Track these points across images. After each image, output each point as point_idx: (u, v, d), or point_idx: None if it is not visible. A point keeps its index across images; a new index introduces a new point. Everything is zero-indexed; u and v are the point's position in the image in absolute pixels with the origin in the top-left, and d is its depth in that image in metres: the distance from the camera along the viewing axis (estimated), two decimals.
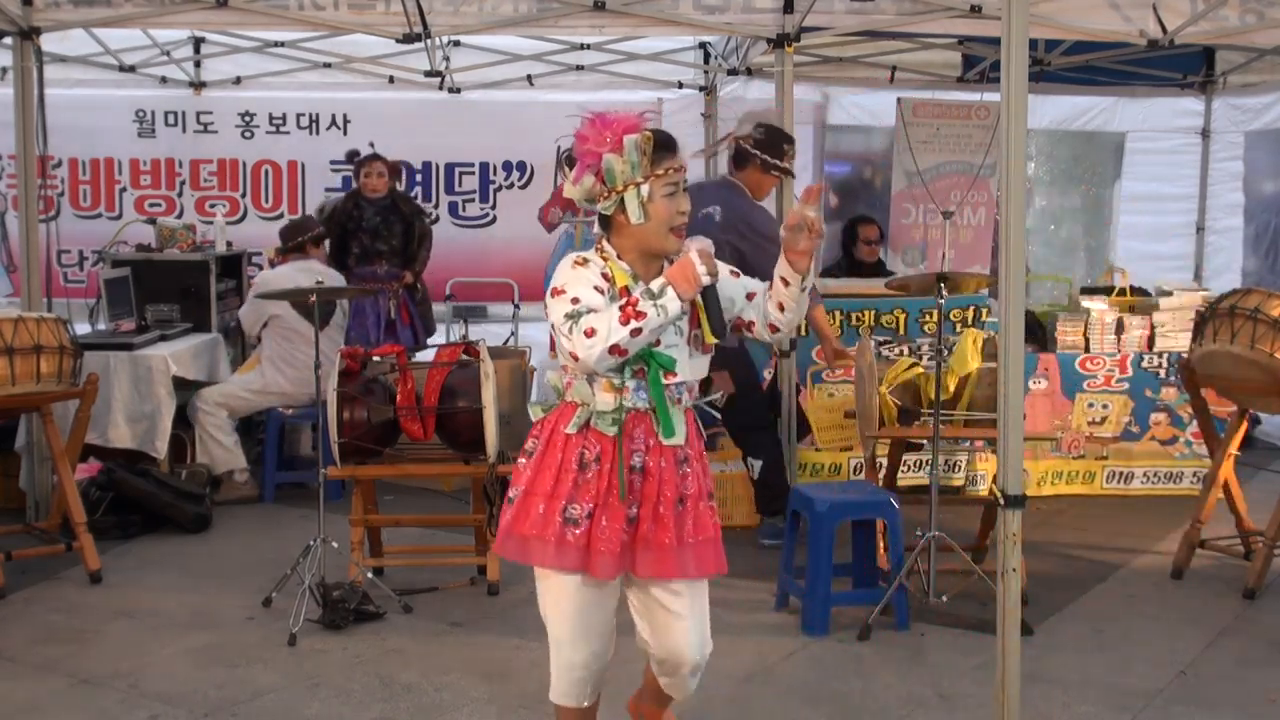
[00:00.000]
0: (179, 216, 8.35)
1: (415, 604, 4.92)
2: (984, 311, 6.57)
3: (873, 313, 6.60)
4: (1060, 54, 7.84)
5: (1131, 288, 7.15)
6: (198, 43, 8.26)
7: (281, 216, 8.35)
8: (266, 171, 8.69)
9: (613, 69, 8.41)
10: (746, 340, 5.77)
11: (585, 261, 3.00)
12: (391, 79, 8.36)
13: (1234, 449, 5.42)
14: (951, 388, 5.10)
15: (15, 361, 5.00)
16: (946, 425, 4.96)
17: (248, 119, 8.63)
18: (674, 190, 2.99)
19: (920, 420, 5.13)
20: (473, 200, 8.85)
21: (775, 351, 6.11)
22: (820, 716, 3.96)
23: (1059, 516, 6.43)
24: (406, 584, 5.11)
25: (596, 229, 3.12)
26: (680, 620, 3.13)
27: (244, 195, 8.69)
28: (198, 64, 8.44)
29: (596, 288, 2.94)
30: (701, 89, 8.75)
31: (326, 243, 7.13)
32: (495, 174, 8.83)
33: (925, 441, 5.15)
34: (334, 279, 6.64)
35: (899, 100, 8.45)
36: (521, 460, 3.10)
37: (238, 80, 8.48)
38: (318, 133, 8.68)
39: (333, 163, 8.54)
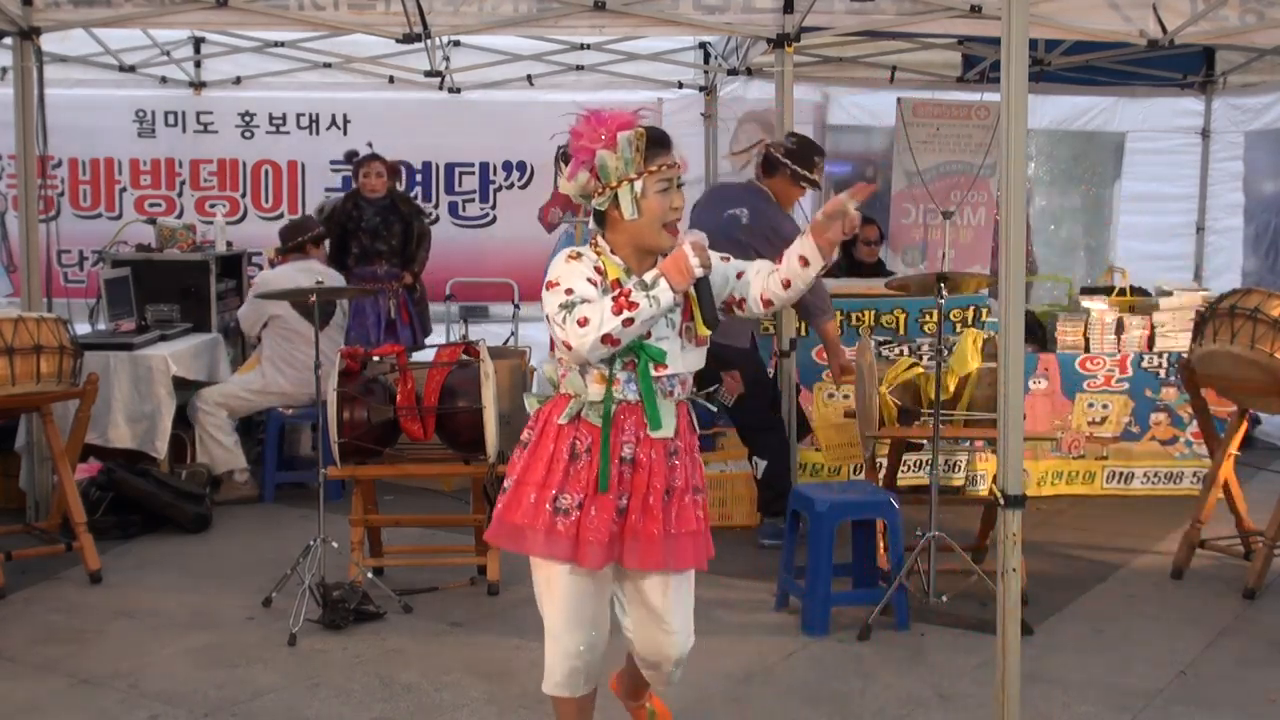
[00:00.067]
0: (179, 216, 8.35)
1: (415, 604, 4.92)
2: (984, 311, 6.57)
3: (873, 313, 6.60)
4: (1060, 54, 7.84)
5: (1131, 288, 7.15)
6: (198, 43, 8.26)
7: (281, 216, 8.35)
8: (266, 171, 8.69)
9: (613, 69, 8.41)
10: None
11: (579, 256, 3.04)
12: (391, 79, 8.37)
13: (1234, 449, 5.42)
14: (951, 388, 5.09)
15: (15, 361, 4.99)
16: (946, 425, 4.96)
17: (248, 119, 8.63)
18: (667, 186, 3.02)
19: (920, 420, 5.12)
20: (473, 200, 8.85)
21: (775, 351, 6.12)
22: (820, 716, 3.96)
23: (1059, 516, 6.43)
24: (406, 584, 5.11)
25: (592, 225, 3.15)
26: (663, 617, 3.20)
27: (244, 195, 8.69)
28: (198, 64, 8.44)
29: (589, 280, 2.97)
30: (701, 89, 8.76)
31: (326, 243, 7.13)
32: (495, 174, 8.83)
33: (925, 441, 5.15)
34: (334, 279, 6.64)
35: (899, 100, 8.45)
36: (517, 451, 3.15)
37: (238, 80, 8.48)
38: (318, 133, 8.68)
39: (333, 163, 8.54)
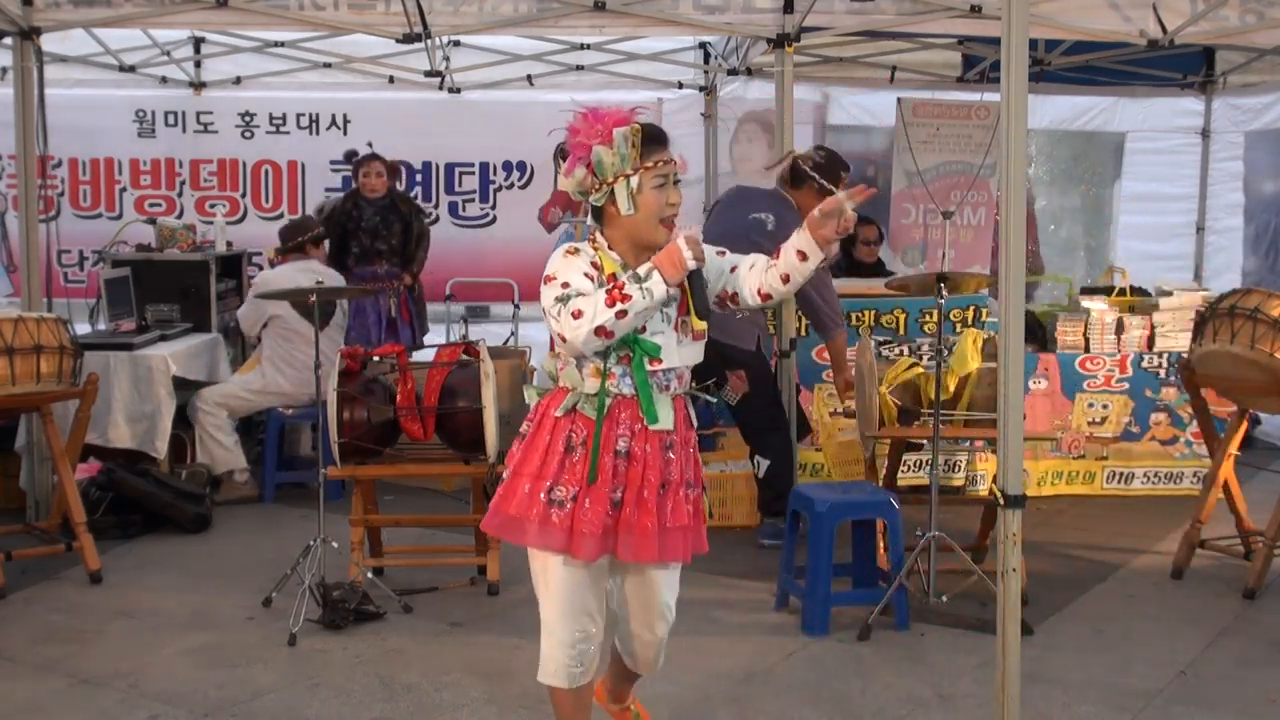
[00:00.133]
0: (179, 216, 8.35)
1: (415, 604, 4.92)
2: (984, 311, 6.57)
3: (873, 313, 6.60)
4: (1060, 54, 7.84)
5: (1131, 288, 7.15)
6: (198, 43, 8.26)
7: (281, 216, 8.35)
8: (266, 171, 8.69)
9: (613, 69, 8.41)
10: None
11: (576, 251, 3.09)
12: (391, 79, 8.37)
13: (1234, 449, 5.42)
14: (951, 388, 5.09)
15: (15, 361, 5.00)
16: (946, 425, 4.96)
17: (248, 119, 8.63)
18: (663, 182, 3.06)
19: (920, 420, 5.13)
20: (473, 200, 8.85)
21: (775, 351, 6.12)
22: (820, 716, 3.96)
23: (1059, 516, 6.43)
24: (406, 584, 5.11)
25: (590, 220, 3.19)
26: (653, 607, 3.28)
27: (244, 195, 8.70)
28: (198, 64, 8.44)
29: (586, 274, 3.02)
30: (701, 89, 8.76)
31: (326, 243, 7.13)
32: (495, 174, 8.83)
33: (925, 441, 5.15)
34: (334, 279, 6.64)
35: (899, 100, 8.45)
36: (516, 443, 3.19)
37: (238, 80, 8.48)
38: (318, 133, 8.68)
39: (333, 163, 8.54)
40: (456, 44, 7.89)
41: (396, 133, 8.33)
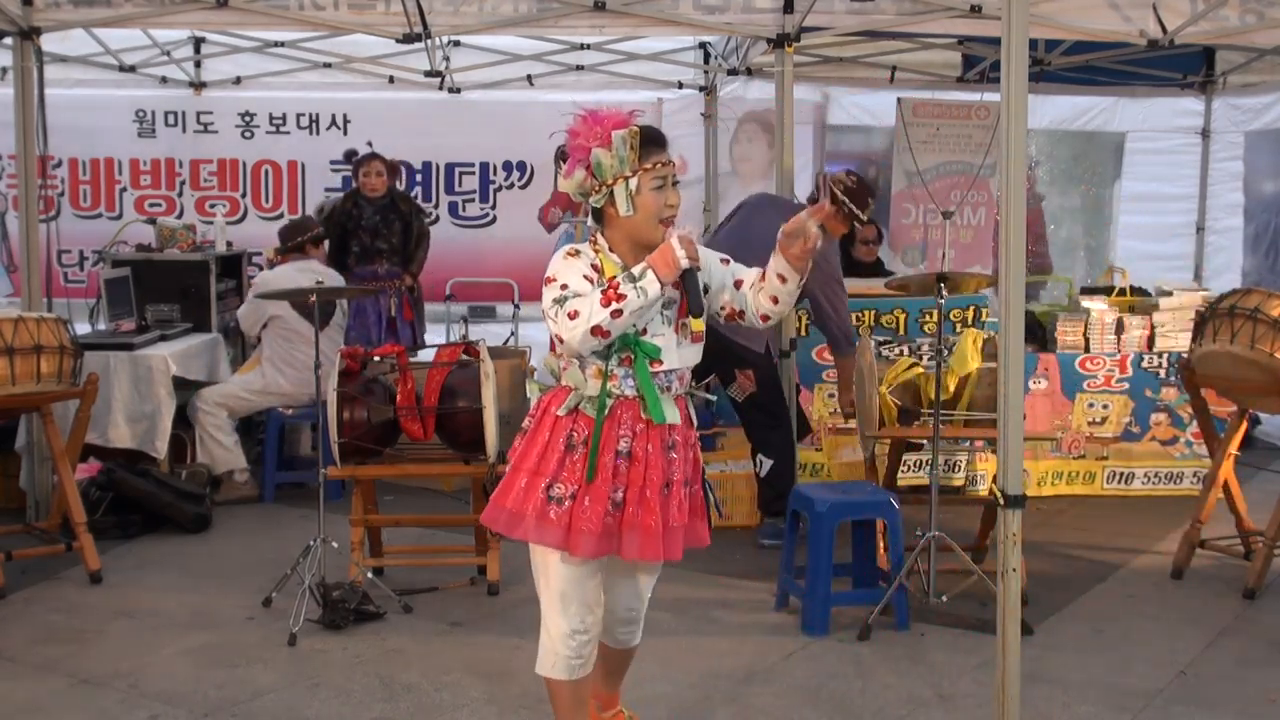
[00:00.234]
0: (179, 216, 8.36)
1: (415, 604, 4.92)
2: (984, 311, 6.57)
3: (873, 313, 6.60)
4: (1060, 54, 7.84)
5: (1131, 288, 7.15)
6: (198, 43, 8.27)
7: (281, 216, 8.35)
8: (266, 171, 8.69)
9: (613, 69, 8.41)
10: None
11: (577, 253, 3.13)
12: (391, 79, 8.37)
13: (1234, 449, 5.42)
14: (951, 388, 5.09)
15: (15, 361, 4.99)
16: (946, 425, 4.96)
17: (248, 119, 8.64)
18: (662, 184, 3.10)
19: (920, 420, 5.13)
20: (473, 200, 8.85)
21: (776, 351, 6.12)
22: (820, 716, 3.96)
23: (1059, 516, 6.43)
24: (406, 584, 5.11)
25: (590, 222, 3.23)
26: (642, 594, 3.41)
27: (244, 195, 8.70)
28: (198, 64, 8.45)
29: (585, 276, 3.06)
30: (701, 89, 8.76)
31: (326, 243, 7.13)
32: (495, 174, 8.83)
33: (925, 441, 5.15)
34: (334, 279, 6.64)
35: (899, 100, 8.45)
36: (518, 438, 3.24)
37: (238, 80, 8.48)
38: (318, 133, 8.69)
39: (333, 163, 8.55)
40: (456, 44, 7.90)
41: (396, 133, 8.33)
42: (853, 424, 5.81)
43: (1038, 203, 9.42)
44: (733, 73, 8.29)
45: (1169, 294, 6.89)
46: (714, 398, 3.44)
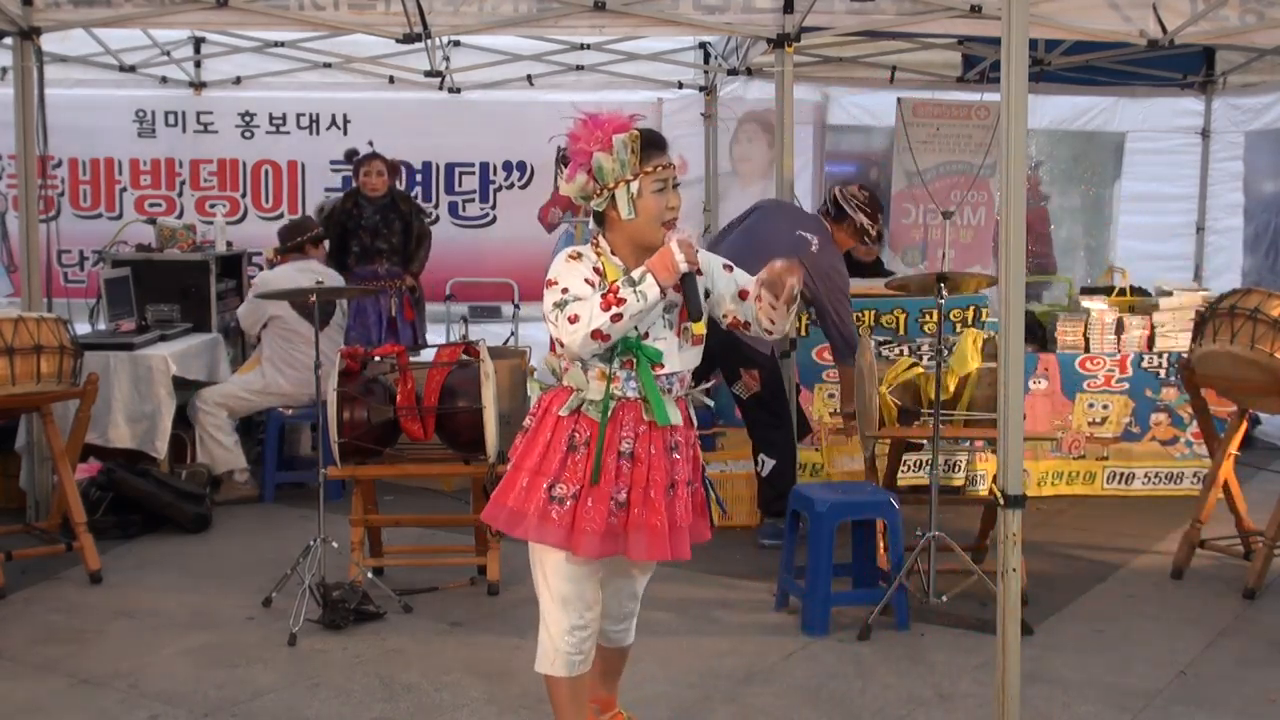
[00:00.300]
0: (179, 216, 8.35)
1: (415, 604, 4.92)
2: (984, 311, 6.57)
3: (873, 313, 6.60)
4: (1060, 54, 7.84)
5: (1131, 288, 7.15)
6: (198, 43, 8.26)
7: (281, 216, 8.35)
8: (266, 171, 8.69)
9: (613, 69, 8.41)
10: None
11: (579, 256, 3.15)
12: (391, 79, 8.37)
13: (1234, 449, 5.42)
14: (951, 388, 5.09)
15: (15, 361, 4.99)
16: (946, 425, 4.96)
17: (248, 119, 8.64)
18: (663, 187, 3.13)
19: (920, 420, 5.12)
20: (473, 200, 8.85)
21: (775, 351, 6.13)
22: (820, 716, 3.96)
23: (1059, 516, 6.43)
24: (406, 584, 5.11)
25: (592, 225, 3.25)
26: (638, 592, 3.44)
27: (244, 195, 8.70)
28: (198, 64, 8.44)
29: (587, 280, 3.09)
30: (701, 89, 8.75)
31: (326, 243, 7.13)
32: (495, 174, 8.83)
33: (925, 441, 5.15)
34: (333, 279, 6.64)
35: (899, 100, 8.46)
36: (519, 436, 3.26)
37: (238, 80, 8.48)
38: (318, 133, 8.68)
39: (333, 163, 8.54)
40: (456, 44, 7.89)
41: (396, 133, 8.32)
42: (854, 432, 5.81)
43: (1043, 203, 9.43)
44: (733, 73, 8.29)
45: (1169, 294, 6.89)
46: (711, 402, 3.44)
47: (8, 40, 5.82)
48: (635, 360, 3.12)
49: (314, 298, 4.80)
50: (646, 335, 3.12)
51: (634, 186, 3.08)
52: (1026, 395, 6.37)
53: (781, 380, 5.86)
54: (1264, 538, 5.15)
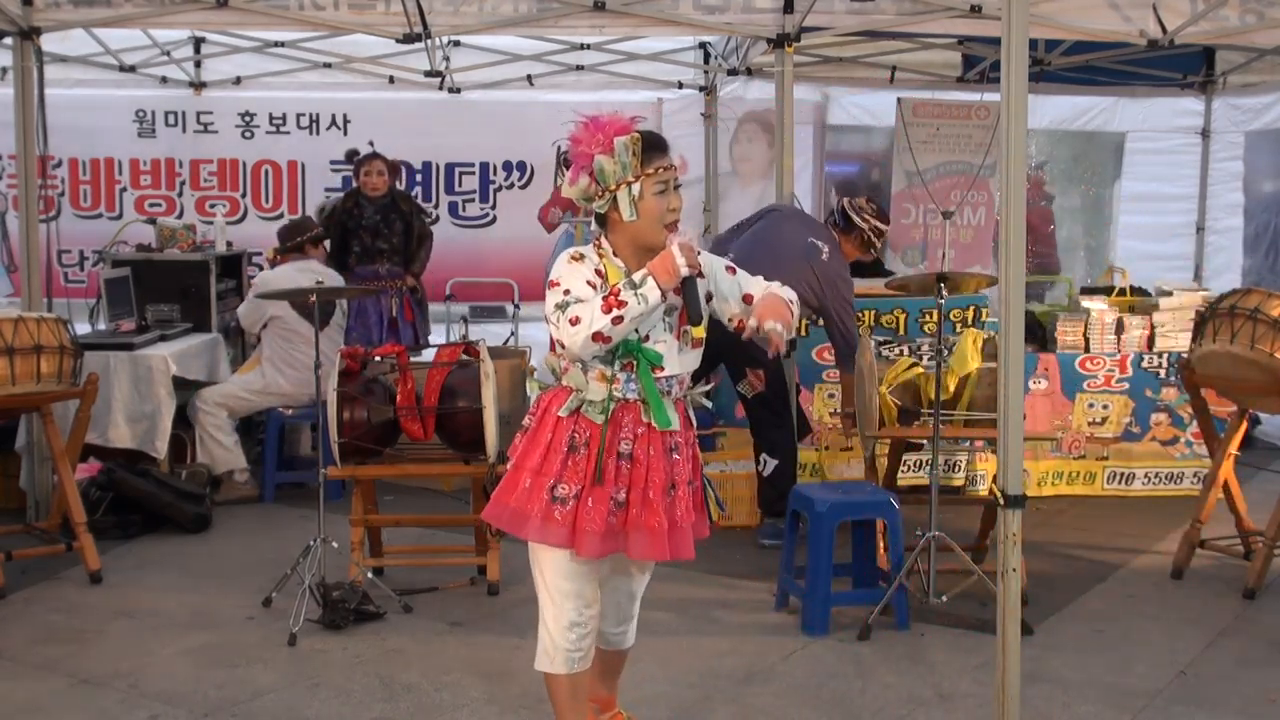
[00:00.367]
0: (179, 216, 8.35)
1: (415, 604, 4.92)
2: (984, 311, 6.57)
3: (873, 313, 6.60)
4: (1060, 54, 7.84)
5: (1131, 288, 7.15)
6: (198, 43, 8.26)
7: (281, 216, 8.35)
8: (266, 171, 8.69)
9: (613, 69, 8.41)
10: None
11: (581, 257, 3.16)
12: (391, 79, 8.37)
13: (1234, 449, 5.42)
14: (951, 388, 5.09)
15: (15, 361, 4.99)
16: (946, 425, 4.96)
17: (248, 119, 8.63)
18: (664, 188, 3.14)
19: (920, 420, 5.12)
20: (473, 200, 8.85)
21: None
22: (820, 716, 3.96)
23: (1059, 516, 6.43)
24: (406, 584, 5.11)
25: (594, 226, 3.28)
26: (635, 593, 3.45)
27: (244, 195, 8.69)
28: (198, 64, 8.44)
29: (589, 282, 3.10)
30: (701, 89, 8.75)
31: (326, 243, 7.13)
32: (495, 174, 8.83)
33: (925, 441, 5.15)
34: (333, 279, 6.64)
35: (899, 100, 8.45)
36: (519, 435, 3.28)
37: (238, 80, 8.47)
38: (318, 133, 8.68)
39: (333, 163, 8.54)
40: (456, 44, 7.89)
41: (396, 133, 8.32)
42: (852, 433, 5.81)
43: (1048, 203, 9.44)
44: (733, 73, 8.29)
45: (1169, 294, 6.88)
46: (709, 403, 3.45)
47: (8, 40, 5.82)
48: (635, 363, 3.13)
49: (314, 298, 4.80)
50: (647, 338, 3.13)
51: (635, 188, 3.10)
52: (1026, 395, 6.37)
53: (785, 381, 5.86)
54: (1264, 538, 5.15)
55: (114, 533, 5.85)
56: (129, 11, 5.71)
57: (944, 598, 4.77)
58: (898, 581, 4.66)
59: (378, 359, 5.15)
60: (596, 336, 3.00)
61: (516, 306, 8.24)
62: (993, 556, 3.96)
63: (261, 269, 7.70)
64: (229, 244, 7.67)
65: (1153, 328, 6.72)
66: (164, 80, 8.39)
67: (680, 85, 8.70)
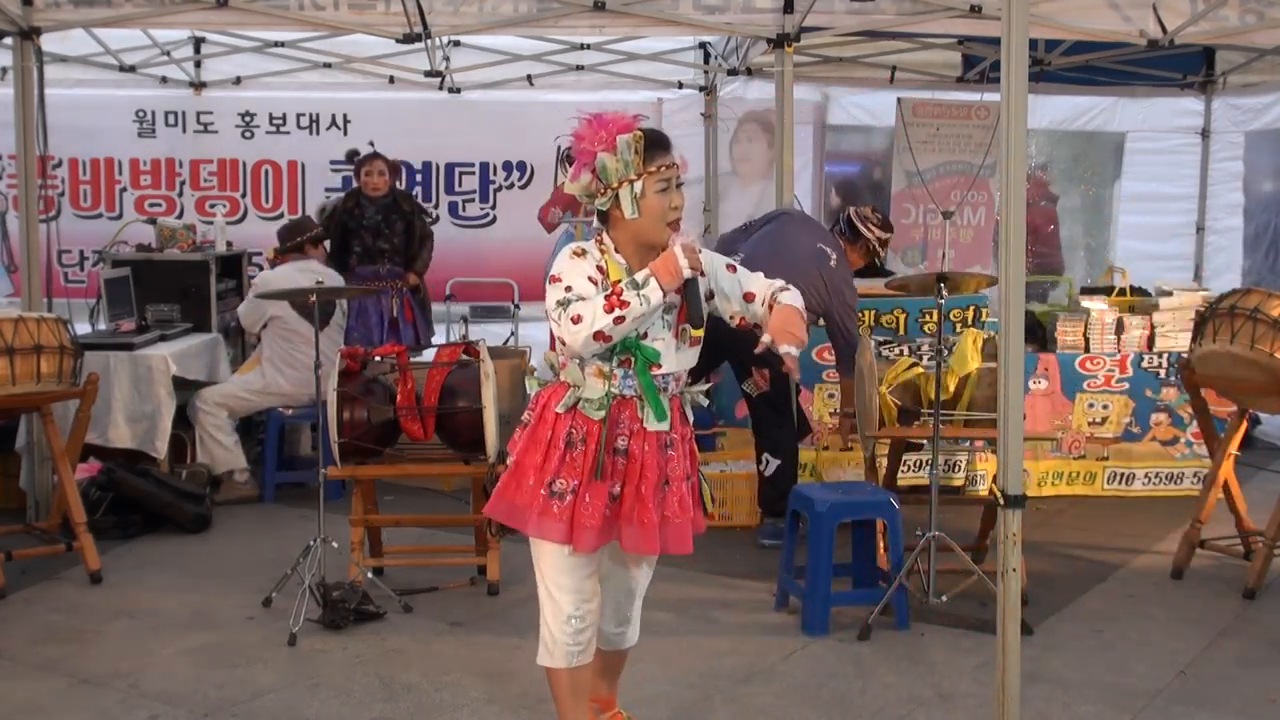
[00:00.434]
0: (179, 216, 8.36)
1: (415, 604, 4.92)
2: (984, 311, 6.57)
3: (873, 313, 6.60)
4: (1060, 54, 7.85)
5: (1131, 288, 7.15)
6: (198, 43, 8.27)
7: (281, 216, 8.35)
8: (266, 171, 8.69)
9: (613, 69, 8.41)
10: None
11: (583, 253, 3.18)
12: (391, 79, 8.37)
13: (1234, 449, 5.42)
14: (951, 388, 5.09)
15: (15, 361, 4.99)
16: (946, 425, 4.96)
17: (248, 119, 8.64)
18: (666, 186, 3.15)
19: (920, 420, 5.13)
20: (473, 200, 8.85)
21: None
22: (820, 716, 3.96)
23: (1059, 516, 6.43)
24: (406, 584, 5.11)
25: (596, 224, 3.28)
26: (635, 592, 3.46)
27: (244, 195, 8.70)
28: (198, 64, 8.45)
29: (590, 278, 3.12)
30: (701, 89, 8.76)
31: (326, 243, 7.13)
32: (495, 174, 8.83)
33: (925, 441, 5.15)
34: (333, 279, 6.64)
35: (899, 100, 8.46)
36: (518, 430, 3.29)
37: (238, 80, 8.48)
38: (318, 133, 8.68)
39: (333, 163, 8.54)
40: (456, 44, 7.90)
41: (396, 133, 8.32)
42: (851, 434, 5.81)
43: (1052, 203, 9.44)
44: (733, 73, 8.30)
45: (1169, 294, 6.88)
46: (707, 401, 3.46)
47: (8, 40, 5.82)
48: (633, 359, 3.15)
49: (314, 298, 4.80)
50: (645, 335, 3.15)
51: (637, 186, 3.11)
52: (1026, 395, 6.37)
53: (788, 381, 5.87)
54: (1264, 538, 5.15)
55: (114, 533, 5.85)
56: (129, 11, 5.71)
57: (944, 598, 4.77)
58: (898, 581, 4.66)
59: (378, 359, 5.15)
60: (598, 335, 3.02)
61: (516, 306, 8.24)
62: (993, 556, 3.96)
63: (261, 269, 7.70)
64: (229, 244, 7.66)
65: (1153, 328, 6.72)
66: (164, 80, 8.40)
67: (680, 85, 8.70)
